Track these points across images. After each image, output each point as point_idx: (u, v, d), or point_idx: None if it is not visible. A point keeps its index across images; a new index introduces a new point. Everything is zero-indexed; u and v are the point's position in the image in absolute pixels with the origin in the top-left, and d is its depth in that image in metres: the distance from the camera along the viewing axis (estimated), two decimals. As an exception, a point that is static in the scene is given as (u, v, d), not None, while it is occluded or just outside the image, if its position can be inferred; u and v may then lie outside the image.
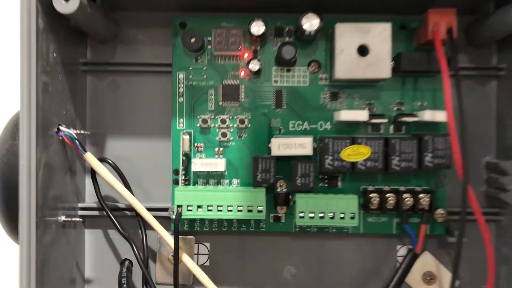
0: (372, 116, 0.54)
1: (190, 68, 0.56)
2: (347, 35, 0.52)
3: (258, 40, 0.54)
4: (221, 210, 0.53)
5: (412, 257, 0.57)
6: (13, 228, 0.51)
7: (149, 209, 0.54)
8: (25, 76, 0.45)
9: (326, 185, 0.56)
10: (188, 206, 0.52)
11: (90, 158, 0.53)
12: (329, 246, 0.59)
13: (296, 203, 0.53)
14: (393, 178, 0.56)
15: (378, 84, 0.56)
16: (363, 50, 0.52)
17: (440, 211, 0.55)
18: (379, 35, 0.52)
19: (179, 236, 0.53)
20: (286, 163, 0.55)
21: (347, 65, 0.52)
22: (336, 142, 0.53)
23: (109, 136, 0.59)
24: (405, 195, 0.54)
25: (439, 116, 0.53)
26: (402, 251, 0.58)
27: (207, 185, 0.56)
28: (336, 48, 0.52)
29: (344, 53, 0.52)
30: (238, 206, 0.53)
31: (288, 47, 0.52)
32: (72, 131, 0.52)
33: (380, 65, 0.52)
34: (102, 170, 0.53)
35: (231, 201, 0.52)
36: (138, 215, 0.55)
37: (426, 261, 0.58)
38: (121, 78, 0.59)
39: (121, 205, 0.58)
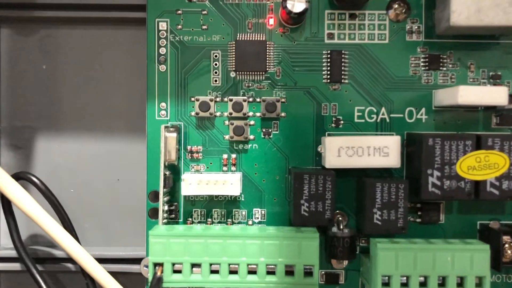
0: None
1: (179, 12, 0.42)
2: None
3: None
4: (236, 272, 0.36)
5: None
6: None
7: (110, 260, 0.42)
8: None
9: (419, 220, 0.40)
10: (174, 265, 0.36)
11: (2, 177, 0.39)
12: None
13: (377, 258, 0.37)
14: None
15: (509, 42, 0.40)
16: None
17: None
18: None
19: None
20: (349, 180, 0.41)
21: (472, 2, 0.36)
22: (448, 145, 0.37)
23: (40, 132, 0.45)
24: None
25: None
26: None
27: (209, 220, 0.41)
28: None
29: None
30: (267, 265, 0.36)
31: None
32: None
33: None
34: (21, 196, 0.38)
35: (254, 255, 0.36)
36: (84, 273, 0.40)
37: None
38: (60, 32, 0.45)
39: (57, 253, 0.43)
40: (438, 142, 0.37)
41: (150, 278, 0.37)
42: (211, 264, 0.36)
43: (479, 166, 0.37)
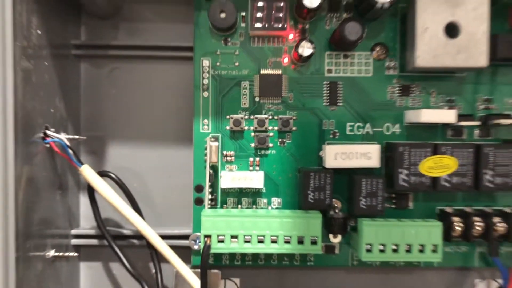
0: (460, 117, 0.46)
1: (218, 53, 0.49)
2: (432, 10, 0.43)
3: (308, 17, 0.46)
4: (262, 241, 0.44)
5: None
6: None
7: (163, 237, 0.48)
8: None
9: (393, 206, 0.48)
10: (218, 236, 0.45)
11: (88, 172, 0.45)
12: (393, 283, 0.52)
13: (362, 232, 0.45)
14: (478, 197, 0.49)
15: (461, 75, 0.48)
16: (452, 30, 0.44)
17: None
18: (473, 10, 0.43)
19: (206, 271, 0.45)
20: (342, 177, 0.48)
21: (431, 50, 0.43)
22: (414, 152, 0.45)
23: (111, 142, 0.53)
24: (495, 219, 0.46)
25: None
26: (481, 286, 0.52)
27: (239, 206, 0.49)
28: (417, 27, 0.44)
29: (428, 33, 0.43)
30: (285, 237, 0.45)
31: (353, 24, 0.44)
32: (63, 137, 0.45)
33: (474, 50, 0.43)
34: (103, 187, 0.46)
35: (276, 229, 0.44)
36: (149, 245, 0.48)
37: None
38: (126, 65, 0.53)
39: (127, 232, 0.52)
40: (407, 149, 0.45)
41: (201, 246, 0.44)
42: (244, 236, 0.44)
43: (435, 166, 0.45)
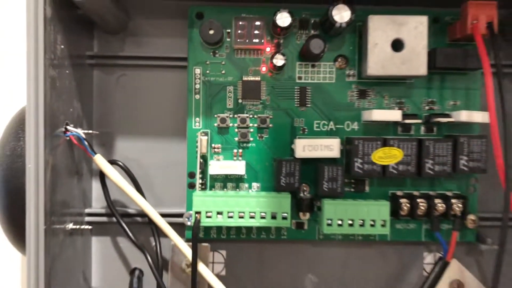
0: (405, 116, 0.52)
1: (207, 63, 0.54)
2: (381, 28, 0.49)
3: (282, 33, 0.52)
4: (242, 217, 0.50)
5: (443, 265, 0.54)
6: (17, 237, 0.48)
7: (162, 215, 0.52)
8: (32, 70, 0.42)
9: (352, 190, 0.54)
10: (207, 212, 0.50)
11: (100, 160, 0.50)
12: (353, 254, 0.57)
13: (324, 209, 0.51)
14: (422, 182, 0.54)
15: (409, 82, 0.54)
16: (397, 45, 0.49)
17: (471, 217, 0.53)
18: (415, 29, 0.49)
19: (196, 244, 0.50)
20: (311, 166, 0.53)
21: (380, 61, 0.49)
22: (367, 144, 0.51)
23: (118, 136, 0.57)
24: (436, 201, 0.52)
25: (476, 117, 0.51)
26: (429, 258, 0.57)
27: (225, 189, 0.54)
28: (368, 42, 0.49)
29: (378, 48, 0.49)
30: (261, 213, 0.50)
31: (316, 40, 0.50)
32: (80, 131, 0.49)
33: (415, 61, 0.49)
34: (113, 173, 0.51)
35: (253, 207, 0.50)
36: (150, 222, 0.52)
37: (454, 269, 0.56)
38: (131, 73, 0.57)
39: (131, 211, 0.56)
40: (361, 142, 0.50)
41: (192, 221, 0.50)
42: (228, 212, 0.50)
43: (385, 156, 0.50)
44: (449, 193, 0.53)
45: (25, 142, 0.43)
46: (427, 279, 0.55)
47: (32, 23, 0.42)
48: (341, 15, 0.48)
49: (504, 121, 0.47)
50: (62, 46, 0.47)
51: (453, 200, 0.52)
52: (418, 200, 0.52)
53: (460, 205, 0.52)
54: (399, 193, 0.54)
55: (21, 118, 0.49)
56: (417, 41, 0.49)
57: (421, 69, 0.49)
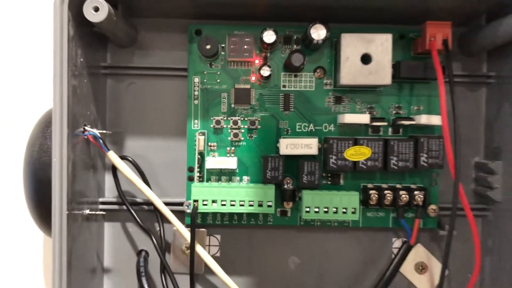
0: (373, 119, 0.58)
1: (205, 73, 0.58)
2: (352, 45, 0.55)
3: (268, 48, 0.57)
4: (233, 205, 0.56)
5: (407, 248, 0.60)
6: (44, 220, 0.55)
7: (165, 204, 0.57)
8: (57, 80, 0.49)
9: (329, 183, 0.59)
10: (203, 200, 0.56)
11: (113, 156, 0.56)
12: (330, 239, 0.62)
13: (303, 198, 0.56)
14: (391, 177, 0.59)
15: (379, 90, 0.59)
16: (366, 59, 0.55)
17: (432, 206, 0.59)
18: (381, 45, 0.56)
19: (194, 228, 0.56)
20: (293, 162, 0.58)
21: (351, 72, 0.55)
22: (340, 143, 0.56)
23: (128, 135, 0.62)
24: (401, 192, 0.58)
25: (434, 120, 0.57)
26: (397, 243, 0.62)
27: (220, 181, 0.59)
28: (341, 57, 0.55)
29: (349, 61, 0.55)
30: (249, 201, 0.55)
31: (297, 54, 0.56)
32: (96, 131, 0.55)
33: (381, 73, 0.55)
34: (124, 167, 0.56)
35: (243, 196, 0.56)
36: (155, 209, 0.58)
37: (419, 253, 0.62)
38: (139, 81, 0.61)
39: (139, 200, 0.61)
40: (335, 141, 0.55)
41: (191, 208, 0.55)
42: (221, 200, 0.55)
43: (355, 153, 0.56)
44: (413, 186, 0.59)
45: (51, 140, 0.49)
46: (393, 261, 0.62)
47: (58, 41, 0.49)
48: (318, 33, 0.55)
49: (454, 123, 0.54)
50: (81, 59, 0.53)
51: (415, 192, 0.58)
52: (386, 191, 0.58)
53: (422, 196, 0.58)
54: (369, 185, 0.59)
55: (47, 120, 0.56)
56: (383, 55, 0.55)
57: (386, 79, 0.55)
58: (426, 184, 0.60)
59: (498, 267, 0.60)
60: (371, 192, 0.58)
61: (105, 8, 0.50)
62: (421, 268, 0.62)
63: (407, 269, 0.62)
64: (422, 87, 0.59)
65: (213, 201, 0.56)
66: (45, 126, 0.55)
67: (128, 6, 0.57)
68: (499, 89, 0.60)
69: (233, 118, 0.59)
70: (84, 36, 0.53)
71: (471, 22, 0.60)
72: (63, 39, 0.49)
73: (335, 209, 0.56)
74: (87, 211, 0.56)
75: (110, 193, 0.62)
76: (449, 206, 0.58)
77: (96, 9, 0.50)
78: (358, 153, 0.57)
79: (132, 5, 0.57)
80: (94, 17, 0.51)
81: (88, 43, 0.54)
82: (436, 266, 0.62)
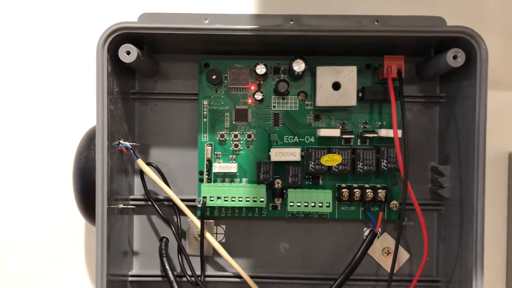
0: (343, 132, 0.67)
1: (212, 97, 0.67)
2: (325, 75, 0.65)
3: (261, 77, 0.67)
4: (234, 200, 0.65)
5: (372, 235, 0.68)
6: (89, 212, 0.64)
7: (182, 200, 0.66)
8: (99, 106, 0.59)
9: (310, 183, 0.68)
10: (210, 197, 0.65)
11: (141, 163, 0.66)
12: (313, 228, 0.70)
13: (288, 195, 0.65)
14: (359, 178, 0.68)
15: (349, 109, 0.68)
16: (336, 86, 0.64)
17: (394, 202, 0.68)
18: (348, 75, 0.65)
19: (204, 219, 0.65)
20: (281, 166, 0.66)
21: (324, 97, 0.65)
22: (317, 151, 0.65)
23: (152, 146, 0.71)
24: (367, 190, 0.67)
25: (391, 133, 0.69)
26: (367, 232, 0.70)
27: (224, 182, 0.68)
28: (317, 84, 0.64)
29: (323, 88, 0.65)
30: (246, 198, 0.65)
31: (282, 83, 0.66)
32: (127, 143, 0.64)
33: (348, 96, 0.65)
34: (149, 171, 0.66)
35: (241, 194, 0.65)
36: (174, 204, 0.67)
37: (385, 239, 0.72)
38: (161, 103, 0.70)
39: (161, 197, 0.70)
40: (313, 150, 0.64)
41: (201, 203, 0.63)
42: (225, 197, 0.63)
43: (329, 160, 0.65)
44: (378, 185, 0.67)
45: (95, 151, 0.61)
46: (361, 246, 0.68)
47: (100, 76, 0.60)
48: (299, 66, 0.67)
49: (404, 136, 0.67)
50: (117, 89, 0.62)
51: (379, 190, 0.67)
52: (355, 190, 0.67)
53: (384, 194, 0.67)
54: (343, 185, 0.68)
55: (91, 135, 0.67)
56: (349, 83, 0.64)
57: (352, 101, 0.64)
58: (388, 184, 0.68)
59: (448, 252, 0.67)
60: (343, 190, 0.67)
61: (134, 52, 0.61)
62: (387, 252, 0.71)
63: (376, 253, 0.71)
64: (384, 106, 0.69)
65: (219, 198, 0.64)
66: (89, 140, 0.65)
67: (152, 46, 0.66)
68: (448, 107, 0.67)
69: (234, 132, 0.67)
70: (118, 71, 0.62)
71: (424, 53, 0.67)
72: (104, 75, 0.59)
73: (313, 203, 0.65)
74: (121, 206, 0.65)
75: (138, 191, 0.70)
76: (408, 202, 0.66)
77: (128, 53, 0.63)
78: (331, 160, 0.66)
79: (154, 46, 0.66)
80: (126, 58, 0.64)
81: (121, 75, 0.63)
82: (399, 251, 0.70)
